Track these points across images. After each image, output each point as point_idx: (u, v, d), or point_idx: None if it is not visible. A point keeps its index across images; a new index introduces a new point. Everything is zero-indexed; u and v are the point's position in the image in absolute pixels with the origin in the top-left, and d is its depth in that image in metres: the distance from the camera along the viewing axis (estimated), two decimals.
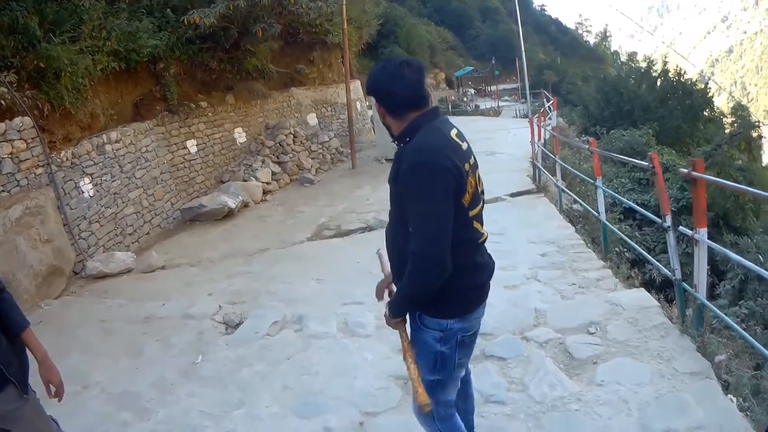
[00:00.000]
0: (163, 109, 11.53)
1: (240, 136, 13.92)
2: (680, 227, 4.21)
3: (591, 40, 74.75)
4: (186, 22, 11.00)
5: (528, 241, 7.28)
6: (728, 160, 15.95)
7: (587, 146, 7.44)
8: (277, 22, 12.17)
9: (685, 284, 4.25)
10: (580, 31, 78.62)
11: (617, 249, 7.45)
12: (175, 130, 11.78)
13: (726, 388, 3.58)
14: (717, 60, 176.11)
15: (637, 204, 10.45)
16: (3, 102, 7.49)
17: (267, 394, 4.27)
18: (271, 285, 6.89)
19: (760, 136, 21.50)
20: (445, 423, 2.64)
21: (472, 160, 2.40)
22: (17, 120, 7.72)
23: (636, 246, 5.80)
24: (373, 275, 6.52)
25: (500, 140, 17.99)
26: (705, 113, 23.21)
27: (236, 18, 11.67)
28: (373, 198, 11.44)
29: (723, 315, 3.89)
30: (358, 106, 19.54)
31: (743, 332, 3.59)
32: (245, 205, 11.68)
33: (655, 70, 23.88)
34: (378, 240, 8.23)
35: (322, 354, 4.84)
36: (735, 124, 22.93)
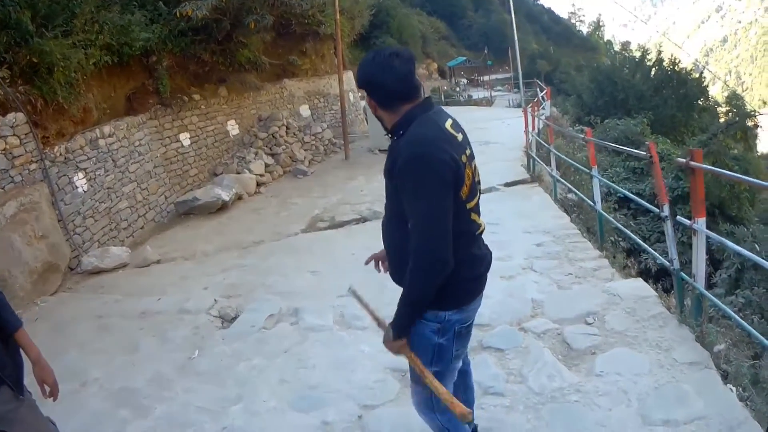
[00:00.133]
0: (156, 102, 11.44)
1: (233, 128, 13.86)
2: (678, 217, 4.20)
3: (584, 29, 74.60)
4: (178, 14, 10.90)
5: (523, 230, 7.26)
6: (724, 149, 15.96)
7: (582, 135, 7.41)
8: (270, 13, 12.10)
9: (683, 274, 4.24)
10: (573, 21, 78.49)
11: (612, 238, 7.45)
12: (168, 123, 11.71)
13: (725, 377, 3.58)
14: (711, 49, 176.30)
15: (632, 193, 10.51)
16: None
17: (264, 389, 4.25)
18: (266, 278, 6.86)
19: (756, 125, 21.54)
20: (445, 414, 2.62)
21: (468, 152, 2.36)
22: (10, 116, 7.64)
23: (633, 236, 5.80)
24: (368, 267, 6.53)
25: (494, 130, 17.96)
26: (699, 102, 23.22)
27: (229, 9, 11.60)
28: (367, 189, 11.42)
29: (722, 305, 3.88)
30: (351, 97, 19.47)
31: (744, 323, 3.58)
32: (239, 198, 11.66)
33: (650, 59, 23.84)
34: (372, 231, 8.25)
35: (319, 347, 4.82)
36: (729, 114, 22.92)
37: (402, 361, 2.65)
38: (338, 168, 14.59)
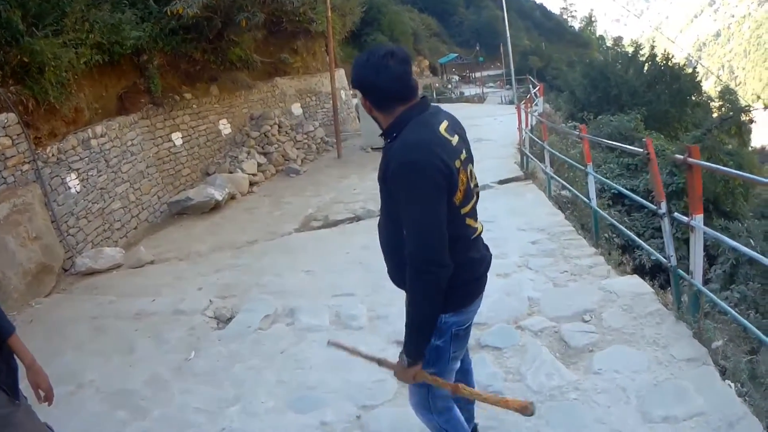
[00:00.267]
0: (148, 101, 11.37)
1: (225, 127, 13.80)
2: (676, 214, 4.20)
3: (576, 25, 74.55)
4: (169, 12, 10.83)
5: (518, 228, 7.26)
6: (718, 145, 16.00)
7: (577, 132, 7.41)
8: (261, 11, 12.07)
9: (680, 270, 4.24)
10: (564, 17, 78.43)
11: (606, 235, 7.45)
12: (159, 122, 11.64)
13: (723, 373, 3.58)
14: (704, 44, 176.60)
15: (626, 189, 10.52)
16: None
17: (262, 390, 4.23)
18: (260, 278, 6.84)
19: (750, 120, 21.61)
20: (443, 415, 2.61)
21: (463, 155, 2.30)
22: (2, 116, 7.58)
23: (629, 233, 5.80)
24: (362, 266, 6.56)
25: (486, 127, 17.93)
26: (693, 98, 23.25)
27: (219, 8, 11.54)
28: (360, 188, 11.40)
29: (721, 302, 3.88)
30: (343, 95, 19.44)
31: (744, 320, 3.58)
32: (232, 198, 11.61)
33: (643, 55, 23.86)
34: (366, 230, 8.25)
35: (316, 347, 4.79)
36: (723, 109, 22.99)
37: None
38: (331, 166, 14.55)
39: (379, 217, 2.54)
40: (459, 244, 2.27)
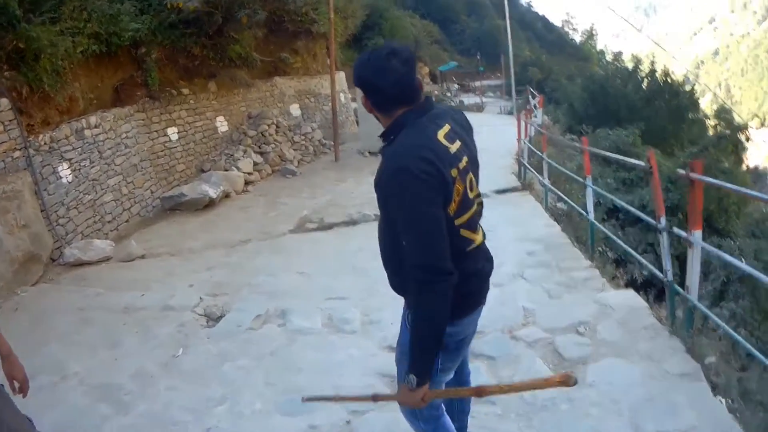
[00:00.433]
0: (144, 95, 11.25)
1: (222, 124, 13.70)
2: (675, 229, 4.19)
3: (577, 38, 74.58)
4: (169, 5, 10.71)
5: (514, 238, 7.22)
6: (714, 163, 16.02)
7: (578, 144, 7.41)
8: (263, 8, 11.97)
9: (676, 286, 4.23)
10: (566, 29, 78.52)
11: (600, 248, 7.44)
12: (156, 116, 11.51)
13: (714, 389, 3.58)
14: (702, 62, 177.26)
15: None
16: None
17: (250, 390, 4.18)
18: (253, 277, 6.79)
19: (747, 138, 21.69)
20: (430, 423, 2.55)
21: (462, 163, 2.18)
22: None
23: (627, 247, 5.78)
24: (357, 270, 6.51)
25: (484, 136, 17.77)
26: (690, 115, 23.31)
27: (220, 3, 11.42)
28: (357, 191, 11.34)
29: (716, 318, 3.87)
30: (342, 98, 19.36)
31: (740, 338, 3.59)
32: (226, 196, 11.53)
33: (642, 70, 23.90)
34: (361, 234, 8.23)
35: (307, 350, 4.76)
36: (718, 127, 23.07)
37: (391, 367, 2.56)
38: (328, 169, 14.48)
39: (378, 222, 2.45)
40: (452, 257, 2.13)
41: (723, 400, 3.46)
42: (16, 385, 2.62)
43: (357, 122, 18.42)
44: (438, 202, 2.07)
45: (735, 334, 3.64)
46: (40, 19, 8.24)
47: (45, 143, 8.27)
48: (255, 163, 13.42)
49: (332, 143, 15.76)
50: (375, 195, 2.19)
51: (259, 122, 14.42)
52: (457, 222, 2.18)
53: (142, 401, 4.15)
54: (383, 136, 2.25)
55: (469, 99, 38.86)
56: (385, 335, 4.75)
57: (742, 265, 3.74)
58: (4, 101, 7.62)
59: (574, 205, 7.73)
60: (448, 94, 41.02)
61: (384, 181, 2.11)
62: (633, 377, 3.77)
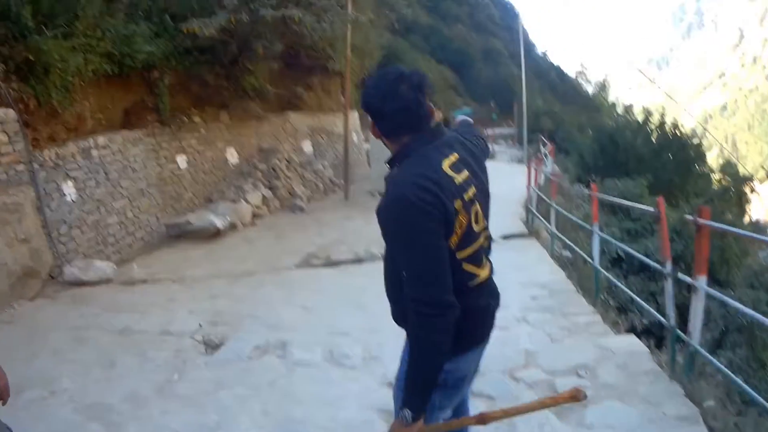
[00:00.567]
0: (155, 119, 11.20)
1: (232, 156, 13.75)
2: (680, 274, 4.18)
3: (589, 89, 74.89)
4: (185, 30, 10.63)
5: (519, 283, 7.18)
6: (719, 214, 16.00)
7: (587, 191, 7.45)
8: (279, 41, 12.02)
9: (679, 331, 4.20)
10: (579, 80, 78.89)
11: (602, 296, 7.40)
12: (165, 142, 11.48)
13: None
14: (711, 116, 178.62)
15: (625, 253, 10.48)
16: None
17: (246, 419, 4.11)
18: (255, 309, 6.76)
19: (752, 190, 21.68)
20: None
21: (468, 195, 2.08)
22: (0, 111, 7.47)
23: (630, 293, 5.78)
24: (361, 307, 6.47)
25: (494, 183, 17.86)
26: (697, 168, 23.31)
27: (237, 32, 11.47)
28: (365, 230, 11.30)
29: (719, 363, 3.85)
30: (355, 138, 19.51)
31: (740, 382, 3.54)
32: (233, 227, 11.54)
33: (652, 123, 23.99)
34: (367, 273, 8.18)
35: (306, 382, 4.69)
36: (722, 182, 23.11)
37: (391, 402, 2.50)
38: (337, 207, 14.53)
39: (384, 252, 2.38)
40: (454, 292, 2.04)
41: None
42: None
43: (369, 163, 18.49)
44: (439, 233, 1.99)
45: (737, 379, 3.65)
46: (53, 32, 8.21)
47: (50, 159, 8.24)
48: (264, 197, 13.47)
49: (342, 182, 15.80)
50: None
51: (270, 156, 14.51)
52: (459, 255, 2.08)
53: (133, 423, 4.08)
54: (390, 163, 2.19)
55: None
56: (386, 371, 4.68)
57: (746, 309, 3.73)
58: (11, 112, 7.58)
59: (580, 251, 7.72)
60: None
61: (384, 209, 2.05)
62: (632, 420, 3.72)
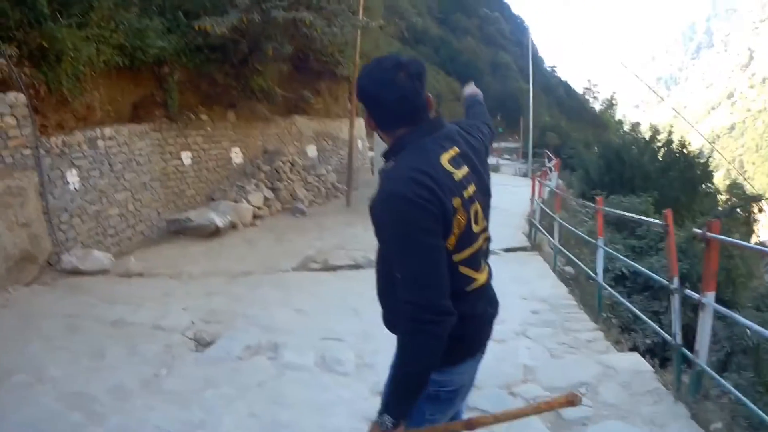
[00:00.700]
0: (162, 115, 11.21)
1: (237, 156, 13.69)
2: (687, 290, 4.06)
3: (597, 106, 74.70)
4: (197, 27, 10.66)
5: (520, 297, 7.08)
6: (726, 233, 15.86)
7: (593, 205, 7.33)
8: (289, 43, 11.99)
9: (684, 349, 4.08)
10: (587, 97, 78.76)
11: (605, 314, 7.27)
12: (171, 138, 11.48)
13: None
14: (718, 136, 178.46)
15: (629, 271, 10.34)
16: (0, 73, 7.26)
17: (231, 419, 3.99)
18: (249, 309, 6.64)
19: (760, 210, 21.55)
20: None
21: (468, 192, 1.94)
22: (11, 95, 7.42)
23: (635, 310, 5.66)
24: (356, 313, 6.34)
25: (498, 195, 17.83)
26: (703, 187, 23.16)
27: (248, 32, 11.48)
28: (365, 237, 11.16)
29: (727, 384, 3.72)
30: (360, 145, 19.43)
31: (750, 404, 3.42)
32: (233, 226, 11.44)
33: (659, 140, 23.85)
34: (364, 279, 8.02)
35: (296, 386, 4.57)
36: (728, 202, 22.97)
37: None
38: (338, 213, 14.43)
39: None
40: (449, 296, 1.89)
41: None
42: None
43: (372, 171, 18.41)
44: (436, 232, 1.83)
45: (746, 400, 3.53)
46: (68, 21, 8.23)
47: (56, 146, 8.20)
48: (266, 198, 13.39)
49: (345, 187, 15.72)
50: None
51: (275, 158, 14.44)
52: (456, 258, 1.93)
53: (116, 415, 3.97)
54: (386, 156, 2.04)
55: None
56: (379, 380, 4.53)
57: (755, 326, 3.61)
58: (21, 96, 7.55)
59: (583, 266, 7.59)
60: None
61: (377, 206, 1.91)
62: None
